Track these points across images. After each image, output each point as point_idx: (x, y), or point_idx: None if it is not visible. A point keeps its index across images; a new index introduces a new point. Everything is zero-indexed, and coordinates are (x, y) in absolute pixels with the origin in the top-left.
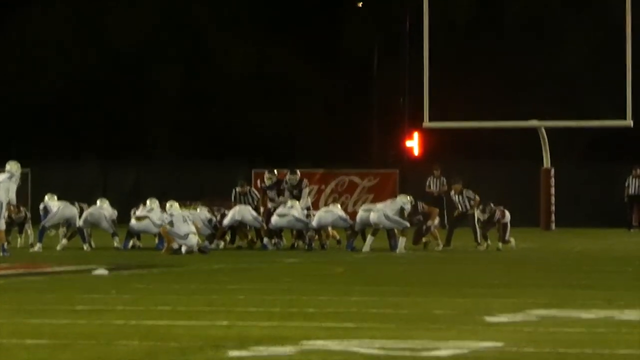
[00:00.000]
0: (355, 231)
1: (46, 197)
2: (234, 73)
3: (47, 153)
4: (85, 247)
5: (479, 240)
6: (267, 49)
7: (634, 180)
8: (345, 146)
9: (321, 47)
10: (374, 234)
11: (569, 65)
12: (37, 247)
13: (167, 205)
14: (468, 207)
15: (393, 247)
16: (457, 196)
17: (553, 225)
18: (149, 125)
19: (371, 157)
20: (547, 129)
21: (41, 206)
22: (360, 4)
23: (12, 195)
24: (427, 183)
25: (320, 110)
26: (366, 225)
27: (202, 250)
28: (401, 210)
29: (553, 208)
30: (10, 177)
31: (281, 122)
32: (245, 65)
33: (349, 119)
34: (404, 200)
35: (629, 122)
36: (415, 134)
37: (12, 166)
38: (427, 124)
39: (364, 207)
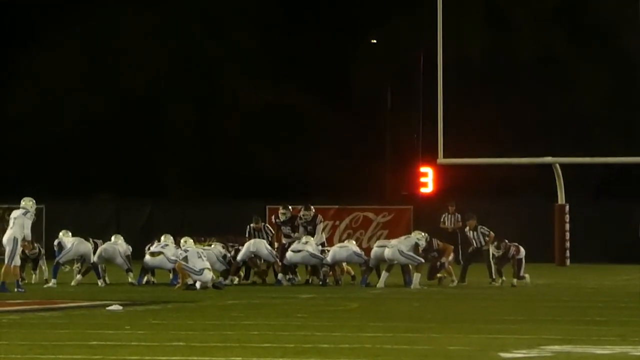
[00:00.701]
0: (369, 267)
1: (60, 234)
2: (247, 111)
3: (61, 190)
4: (100, 282)
5: (494, 276)
6: (280, 86)
7: None
8: (359, 182)
9: (334, 84)
10: (388, 270)
11: (583, 101)
12: (52, 282)
13: (182, 241)
14: (483, 242)
15: (408, 282)
16: (471, 232)
17: (568, 261)
18: (163, 163)
19: (386, 193)
20: (562, 165)
21: (55, 242)
22: (373, 41)
23: (27, 232)
24: (442, 219)
25: (335, 146)
26: (381, 261)
27: (216, 286)
28: (415, 246)
29: (568, 244)
30: (25, 213)
31: (295, 159)
32: (259, 102)
33: (363, 155)
34: (418, 237)
35: None
36: (430, 171)
37: (27, 202)
38: (441, 160)
39: (379, 243)
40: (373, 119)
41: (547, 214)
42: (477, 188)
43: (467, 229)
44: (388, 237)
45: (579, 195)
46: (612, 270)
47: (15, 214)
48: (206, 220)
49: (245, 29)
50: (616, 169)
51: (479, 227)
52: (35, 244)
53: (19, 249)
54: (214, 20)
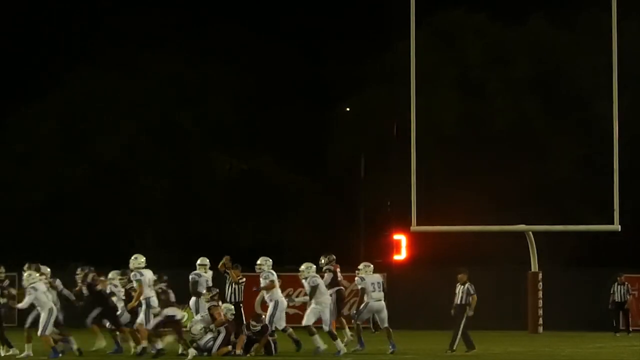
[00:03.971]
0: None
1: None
2: (221, 180)
3: (35, 257)
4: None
5: (454, 347)
6: (255, 156)
7: (619, 287)
8: (333, 249)
9: (308, 152)
10: None
11: (557, 170)
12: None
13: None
14: (464, 301)
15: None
16: (460, 287)
17: (541, 329)
18: (137, 230)
19: (359, 261)
20: (535, 233)
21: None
22: (347, 109)
23: None
24: None
25: (309, 213)
26: None
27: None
28: None
29: (540, 312)
30: None
31: (270, 227)
32: (233, 172)
33: (337, 222)
34: None
35: (617, 226)
36: (403, 238)
37: None
38: (414, 227)
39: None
40: (347, 187)
41: (520, 282)
42: (450, 256)
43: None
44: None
45: (551, 263)
46: (585, 338)
47: None
48: (182, 288)
49: (219, 99)
50: (589, 237)
51: (468, 284)
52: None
53: None
54: (188, 90)
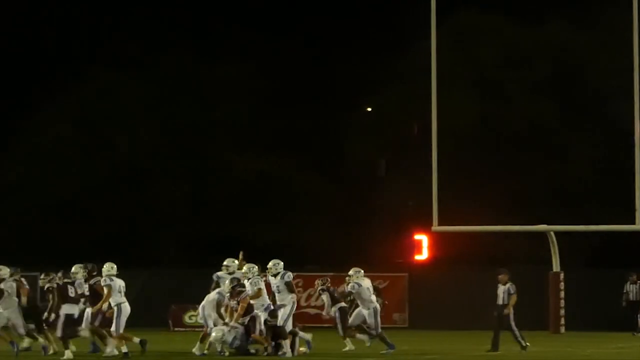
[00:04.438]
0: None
1: None
2: (240, 180)
3: (54, 260)
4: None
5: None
6: (273, 156)
7: (632, 286)
8: (354, 249)
9: (328, 152)
10: None
11: (577, 170)
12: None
13: None
14: (506, 301)
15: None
16: (501, 287)
17: (562, 329)
18: (157, 232)
19: (381, 261)
20: (556, 233)
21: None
22: (368, 109)
23: None
24: None
25: (330, 213)
26: None
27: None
28: None
29: (562, 312)
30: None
31: (290, 226)
32: (252, 172)
33: (359, 222)
34: None
35: (638, 226)
36: (425, 238)
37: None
38: (435, 227)
39: None
40: (367, 187)
41: (542, 282)
42: (472, 256)
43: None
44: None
45: (573, 263)
46: (607, 338)
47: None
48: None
49: (237, 100)
50: (610, 236)
51: (509, 284)
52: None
53: None
54: (205, 91)
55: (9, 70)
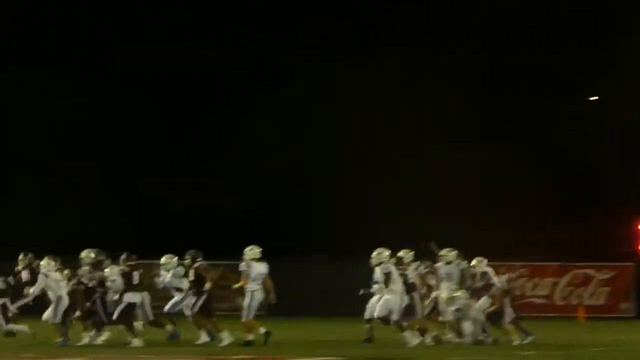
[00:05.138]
0: None
1: None
2: (453, 175)
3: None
4: None
5: None
6: (487, 146)
7: None
8: (579, 239)
9: (546, 142)
10: None
11: None
12: None
13: None
14: None
15: None
16: None
17: None
18: None
19: (607, 250)
20: None
21: None
22: (594, 98)
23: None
24: None
25: (553, 202)
26: None
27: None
28: None
29: None
30: None
31: (509, 219)
32: (465, 164)
33: (584, 212)
34: None
35: None
36: None
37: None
38: None
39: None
40: (586, 176)
41: None
42: None
43: None
44: (609, 295)
45: None
46: None
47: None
48: None
49: (451, 92)
50: None
51: None
52: None
53: None
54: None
55: None
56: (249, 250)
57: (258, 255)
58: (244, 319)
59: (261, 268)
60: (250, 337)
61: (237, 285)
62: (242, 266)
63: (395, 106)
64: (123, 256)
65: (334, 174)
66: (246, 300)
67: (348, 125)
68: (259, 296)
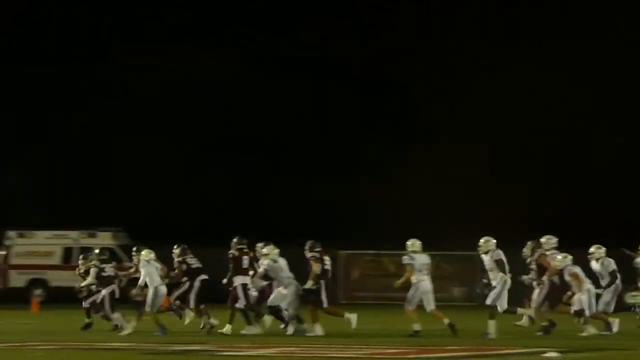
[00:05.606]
0: None
1: None
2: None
3: None
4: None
5: None
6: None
7: None
8: None
9: None
10: None
11: None
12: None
13: None
14: None
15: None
16: None
17: None
18: None
19: None
20: None
21: None
22: None
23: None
24: None
25: None
26: None
27: None
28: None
29: None
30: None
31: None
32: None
33: None
34: None
35: None
36: None
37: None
38: None
39: None
40: None
41: None
42: None
43: None
44: None
45: None
46: None
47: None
48: None
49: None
50: None
51: None
52: None
53: None
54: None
55: None
56: (410, 244)
57: (419, 248)
58: (428, 310)
59: (423, 259)
60: (417, 327)
61: (402, 280)
62: (406, 259)
63: None
64: (235, 239)
65: None
66: (410, 292)
67: None
68: (426, 286)
